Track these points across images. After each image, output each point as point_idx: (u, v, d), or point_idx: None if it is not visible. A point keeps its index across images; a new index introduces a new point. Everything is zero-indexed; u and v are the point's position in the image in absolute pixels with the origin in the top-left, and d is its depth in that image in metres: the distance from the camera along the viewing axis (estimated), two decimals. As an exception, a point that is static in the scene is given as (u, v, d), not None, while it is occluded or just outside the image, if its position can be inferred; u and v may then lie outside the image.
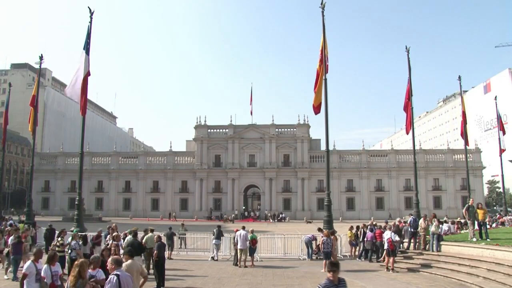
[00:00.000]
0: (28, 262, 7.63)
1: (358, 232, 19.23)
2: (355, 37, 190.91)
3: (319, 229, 18.86)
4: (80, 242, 13.45)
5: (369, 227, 18.49)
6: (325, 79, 19.51)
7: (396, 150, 65.74)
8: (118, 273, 5.95)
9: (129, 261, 7.16)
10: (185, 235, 21.65)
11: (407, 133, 25.84)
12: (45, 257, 7.84)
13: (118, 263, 6.13)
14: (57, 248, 13.07)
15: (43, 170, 64.25)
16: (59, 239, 13.88)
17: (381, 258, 16.99)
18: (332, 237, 16.01)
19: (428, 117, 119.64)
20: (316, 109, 19.75)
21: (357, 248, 19.22)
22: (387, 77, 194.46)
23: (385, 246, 15.89)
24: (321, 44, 20.47)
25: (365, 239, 17.87)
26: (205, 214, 60.08)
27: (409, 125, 24.51)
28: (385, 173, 62.33)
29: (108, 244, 14.00)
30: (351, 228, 19.17)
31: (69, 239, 14.01)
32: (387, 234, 16.06)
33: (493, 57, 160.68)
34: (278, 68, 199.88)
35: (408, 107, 24.22)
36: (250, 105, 63.16)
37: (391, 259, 15.47)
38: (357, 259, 18.52)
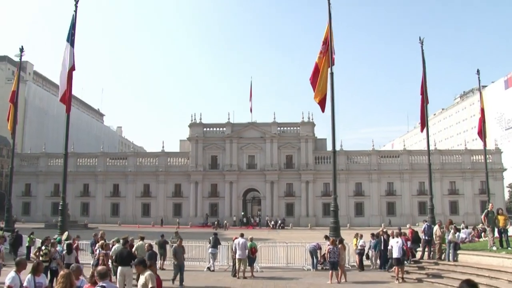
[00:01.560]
0: (12, 273, 7.61)
1: (373, 240, 19.38)
2: (363, 26, 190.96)
3: (326, 237, 18.95)
4: (64, 252, 13.50)
5: (387, 233, 18.64)
6: (331, 73, 19.60)
7: (409, 150, 65.91)
8: (104, 284, 5.96)
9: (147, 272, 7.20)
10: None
11: (422, 130, 25.90)
12: (29, 267, 7.86)
13: (102, 277, 6.11)
14: (41, 258, 13.14)
15: (23, 173, 64.41)
16: (44, 247, 13.92)
17: (392, 269, 17.09)
18: (340, 245, 16.07)
19: (444, 114, 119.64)
20: (322, 106, 19.74)
21: (373, 257, 19.40)
22: (399, 71, 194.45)
23: (395, 255, 15.98)
24: (325, 33, 20.41)
25: (389, 247, 17.51)
26: (200, 220, 60.33)
27: (424, 122, 24.64)
28: (397, 175, 62.50)
29: (95, 254, 14.03)
30: (356, 235, 19.31)
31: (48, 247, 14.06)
32: (398, 242, 16.18)
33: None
34: (281, 61, 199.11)
35: (422, 103, 24.42)
36: (250, 102, 63.29)
37: (400, 269, 15.58)
38: (380, 269, 18.61)
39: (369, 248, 19.71)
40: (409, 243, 16.53)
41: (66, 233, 17.86)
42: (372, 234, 19.77)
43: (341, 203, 53.14)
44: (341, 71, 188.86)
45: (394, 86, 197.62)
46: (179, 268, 14.39)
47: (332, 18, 20.42)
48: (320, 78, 19.59)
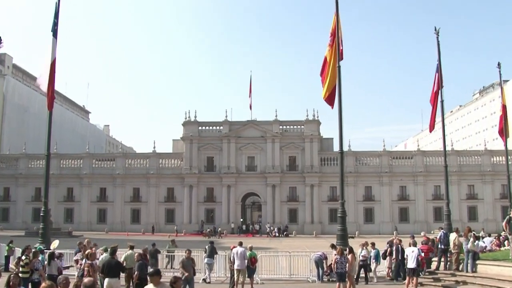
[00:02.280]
0: None
1: (390, 249, 19.50)
2: (373, 15, 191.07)
3: (332, 246, 18.93)
4: (45, 262, 13.56)
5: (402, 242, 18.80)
6: (339, 67, 19.79)
7: (424, 151, 66.05)
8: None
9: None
10: (174, 252, 21.91)
11: (430, 131, 26.04)
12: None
13: None
14: (21, 269, 13.10)
15: (1, 175, 64.73)
16: (24, 257, 13.86)
17: (404, 281, 17.15)
18: (350, 255, 16.06)
19: (462, 111, 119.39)
20: (330, 102, 20.09)
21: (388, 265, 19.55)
22: (413, 65, 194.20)
23: (410, 265, 16.02)
24: (332, 24, 20.55)
25: (406, 256, 17.55)
26: (195, 228, 60.53)
27: (433, 122, 24.56)
28: (410, 178, 62.54)
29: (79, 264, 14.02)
30: (365, 244, 19.35)
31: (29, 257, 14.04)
32: (414, 251, 16.24)
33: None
34: (283, 53, 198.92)
35: (435, 99, 24.29)
36: (249, 98, 63.50)
37: (414, 280, 15.61)
38: (394, 280, 18.74)
39: (371, 259, 19.60)
40: (418, 250, 16.51)
41: (56, 242, 17.91)
42: (364, 245, 19.81)
43: (349, 209, 52.67)
44: (350, 65, 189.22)
45: (407, 81, 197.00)
46: (187, 283, 13.89)
47: (339, 6, 20.59)
48: (328, 73, 19.92)
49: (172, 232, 54.44)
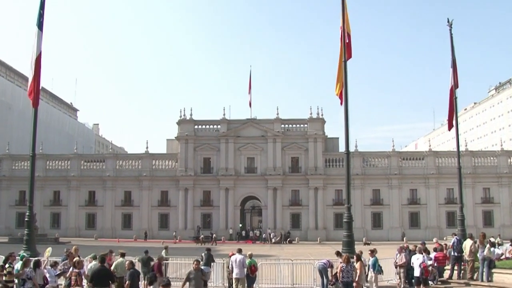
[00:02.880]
0: None
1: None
2: (382, 6, 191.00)
3: (338, 253, 18.86)
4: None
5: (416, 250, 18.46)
6: (345, 61, 20.25)
7: (436, 151, 66.12)
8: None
9: None
10: (168, 260, 22.25)
11: (449, 129, 26.18)
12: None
13: None
14: (4, 278, 13.13)
15: (-17, 178, 64.86)
16: (7, 265, 13.86)
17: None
18: (358, 263, 15.97)
19: (477, 109, 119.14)
20: (342, 98, 20.67)
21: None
22: (424, 59, 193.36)
23: (417, 273, 16.09)
24: (341, 18, 20.97)
25: (419, 264, 17.61)
26: (191, 234, 60.61)
27: (452, 119, 24.96)
28: (421, 181, 62.77)
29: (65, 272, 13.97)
30: (373, 251, 19.13)
31: (18, 265, 14.04)
32: (419, 258, 16.27)
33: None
34: (285, 47, 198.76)
35: (451, 96, 24.80)
36: (249, 95, 63.58)
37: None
38: None
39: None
40: (426, 257, 16.66)
41: (49, 249, 18.00)
42: (403, 248, 19.66)
43: (355, 214, 53.26)
44: (358, 61, 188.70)
45: (418, 78, 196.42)
46: None
47: (347, -1, 20.93)
48: (339, 67, 20.54)
49: (167, 238, 54.11)
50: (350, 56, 20.75)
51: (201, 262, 18.81)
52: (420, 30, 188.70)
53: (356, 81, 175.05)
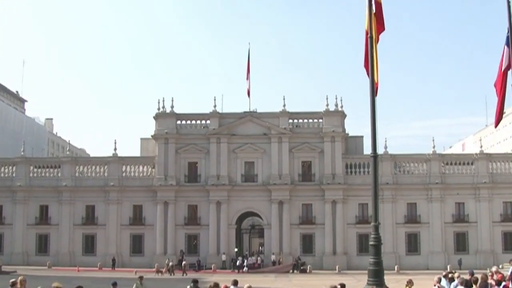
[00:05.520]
0: None
1: None
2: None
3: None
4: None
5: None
6: (371, 37, 18.24)
7: (489, 154, 62.00)
8: None
9: None
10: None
11: (496, 125, 24.30)
12: None
13: None
14: None
15: None
16: None
17: None
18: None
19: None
20: (367, 70, 19.18)
21: None
22: (474, 37, 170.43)
23: None
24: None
25: None
26: (173, 260, 55.57)
27: (500, 113, 22.13)
28: (470, 192, 58.50)
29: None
30: (409, 283, 17.48)
31: None
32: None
33: None
34: (294, 18, 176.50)
35: (502, 82, 20.99)
36: (247, 81, 61.27)
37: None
38: None
39: None
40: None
41: (20, 278, 14.56)
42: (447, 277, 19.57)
43: (385, 234, 49.89)
44: (388, 37, 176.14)
45: (465, 60, 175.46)
46: None
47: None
48: (366, 45, 19.11)
49: (141, 267, 51.42)
50: (382, 29, 19.16)
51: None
52: (468, 2, 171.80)
53: (386, 65, 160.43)
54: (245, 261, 58.66)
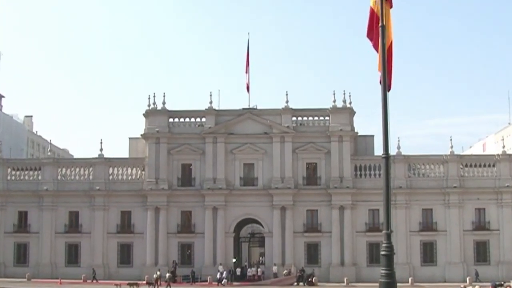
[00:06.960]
0: None
1: None
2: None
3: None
4: None
5: None
6: (382, 27, 15.34)
7: None
8: None
9: None
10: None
11: None
12: None
13: None
14: None
15: None
16: None
17: None
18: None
19: None
20: (375, 46, 16.36)
21: None
22: (494, 25, 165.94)
23: None
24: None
25: None
26: (164, 272, 53.74)
27: None
28: (491, 197, 58.15)
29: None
30: None
31: None
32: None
33: None
34: (296, 8, 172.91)
35: None
36: (246, 74, 61.04)
37: None
38: None
39: None
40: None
41: None
42: None
43: (398, 243, 49.84)
44: (403, 27, 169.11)
45: (486, 52, 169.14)
46: None
47: None
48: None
49: (130, 278, 49.26)
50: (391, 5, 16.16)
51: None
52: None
53: (399, 58, 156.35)
54: (246, 272, 57.89)
